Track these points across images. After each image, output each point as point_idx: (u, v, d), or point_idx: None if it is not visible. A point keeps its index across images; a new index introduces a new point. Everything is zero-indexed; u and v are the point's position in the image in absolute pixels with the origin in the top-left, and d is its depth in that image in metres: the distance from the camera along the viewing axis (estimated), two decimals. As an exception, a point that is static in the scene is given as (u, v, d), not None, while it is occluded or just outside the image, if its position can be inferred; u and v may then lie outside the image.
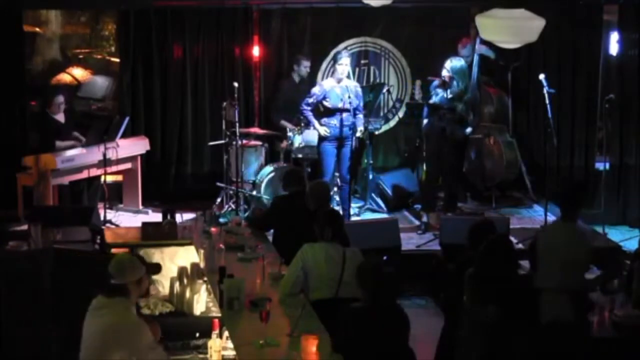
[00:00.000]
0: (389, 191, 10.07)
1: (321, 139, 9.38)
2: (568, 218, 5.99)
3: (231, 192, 9.75)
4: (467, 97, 9.25)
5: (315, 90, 9.53)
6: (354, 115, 9.33)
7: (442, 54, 9.75)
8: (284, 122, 10.08)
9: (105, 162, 9.28)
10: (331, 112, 9.34)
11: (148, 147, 10.17)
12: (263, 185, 9.55)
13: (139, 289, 4.68)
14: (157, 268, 5.05)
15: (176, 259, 7.02)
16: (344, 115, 9.22)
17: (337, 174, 9.53)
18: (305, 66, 10.29)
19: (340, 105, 9.21)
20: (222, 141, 9.82)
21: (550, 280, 5.73)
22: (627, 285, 6.14)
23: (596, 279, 6.23)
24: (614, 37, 10.53)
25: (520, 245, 8.27)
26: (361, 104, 9.49)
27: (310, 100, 9.45)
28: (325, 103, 9.40)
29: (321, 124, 9.37)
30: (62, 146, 9.49)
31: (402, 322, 5.22)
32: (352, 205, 9.67)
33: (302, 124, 9.55)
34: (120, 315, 4.53)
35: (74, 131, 9.79)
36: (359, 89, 9.58)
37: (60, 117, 9.75)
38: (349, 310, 5.19)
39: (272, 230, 7.56)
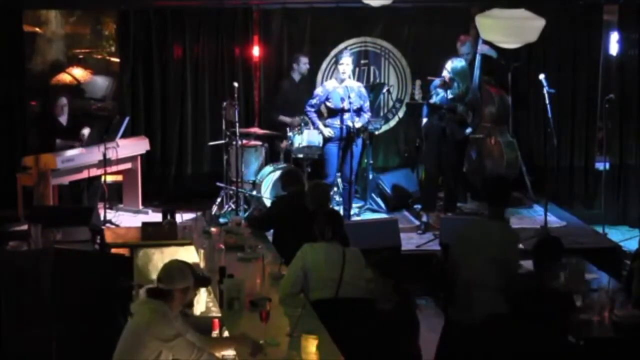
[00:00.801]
0: (389, 191, 10.06)
1: (325, 140, 9.40)
2: (495, 216, 5.97)
3: (231, 192, 9.74)
4: (468, 98, 9.25)
5: (318, 91, 9.56)
6: (358, 115, 9.34)
7: (442, 54, 9.74)
8: (282, 117, 10.06)
9: (105, 162, 9.27)
10: (334, 112, 9.36)
11: (148, 147, 10.17)
12: (267, 185, 9.54)
13: (184, 297, 4.70)
14: (205, 281, 5.09)
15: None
16: (346, 115, 9.23)
17: (338, 174, 9.54)
18: (304, 63, 10.27)
19: (342, 105, 9.22)
20: (222, 141, 9.82)
21: (483, 278, 5.69)
22: (627, 285, 6.12)
23: (532, 275, 6.09)
24: (614, 37, 10.54)
25: (520, 245, 8.23)
26: (365, 104, 9.48)
27: (314, 101, 9.47)
28: (327, 104, 9.42)
29: (325, 125, 9.40)
30: (62, 146, 9.49)
31: (415, 322, 5.22)
32: (352, 205, 9.66)
33: (302, 123, 9.54)
34: (148, 315, 4.55)
35: (78, 131, 9.77)
36: (363, 89, 9.58)
37: (63, 119, 9.75)
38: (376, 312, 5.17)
39: (272, 230, 7.56)
